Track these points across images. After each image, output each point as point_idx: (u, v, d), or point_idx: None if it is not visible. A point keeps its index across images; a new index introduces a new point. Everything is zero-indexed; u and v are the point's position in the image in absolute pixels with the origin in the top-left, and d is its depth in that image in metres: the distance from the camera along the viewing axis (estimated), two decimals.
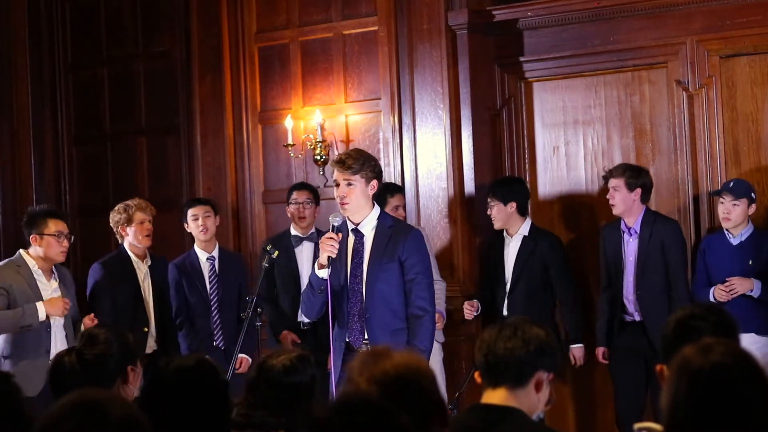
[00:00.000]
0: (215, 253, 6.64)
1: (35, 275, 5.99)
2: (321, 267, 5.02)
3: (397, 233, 5.08)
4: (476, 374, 2.94)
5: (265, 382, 3.38)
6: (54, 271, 6.09)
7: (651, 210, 6.28)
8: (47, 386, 3.72)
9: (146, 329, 6.33)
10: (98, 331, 3.82)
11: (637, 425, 2.75)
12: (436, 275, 6.59)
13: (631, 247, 6.22)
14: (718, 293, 5.90)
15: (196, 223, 6.57)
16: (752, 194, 6.00)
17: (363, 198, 5.08)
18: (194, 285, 6.55)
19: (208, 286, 6.57)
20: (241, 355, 6.27)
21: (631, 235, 6.22)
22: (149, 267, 6.48)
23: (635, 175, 6.20)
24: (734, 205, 5.96)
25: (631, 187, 6.18)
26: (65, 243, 6.05)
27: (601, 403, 6.70)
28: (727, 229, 6.03)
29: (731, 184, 6.04)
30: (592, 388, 6.77)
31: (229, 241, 7.49)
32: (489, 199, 6.52)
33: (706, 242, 6.16)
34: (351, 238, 5.12)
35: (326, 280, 5.00)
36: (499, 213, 6.48)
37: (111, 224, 6.51)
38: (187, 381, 3.06)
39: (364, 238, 5.11)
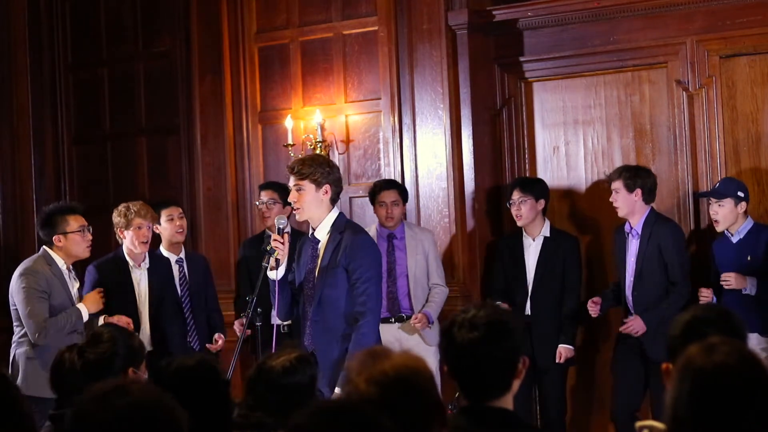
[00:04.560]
0: (182, 255, 6.61)
1: (64, 275, 5.99)
2: (271, 269, 5.09)
3: (345, 237, 5.09)
4: None
5: (264, 383, 3.38)
6: (71, 270, 6.07)
7: (654, 211, 6.27)
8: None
9: (137, 333, 6.26)
10: (104, 330, 3.82)
11: (638, 424, 2.75)
12: (439, 280, 6.60)
13: (632, 248, 6.23)
14: (702, 295, 5.91)
15: (173, 224, 6.51)
16: (739, 193, 5.96)
17: (314, 203, 5.10)
18: (168, 288, 6.47)
19: (179, 289, 6.52)
20: (216, 334, 6.45)
21: (633, 236, 6.24)
22: (147, 270, 6.42)
23: (633, 176, 6.21)
24: (719, 206, 5.96)
25: (630, 188, 6.19)
26: (89, 236, 6.05)
27: (599, 400, 6.70)
28: (726, 229, 6.02)
29: (717, 185, 6.07)
30: (592, 386, 6.77)
31: (229, 241, 7.49)
32: (521, 194, 6.51)
33: (714, 245, 6.15)
34: (311, 244, 5.17)
35: (275, 281, 5.07)
36: (531, 209, 6.49)
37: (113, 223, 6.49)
38: (187, 381, 3.06)
39: (320, 243, 5.13)
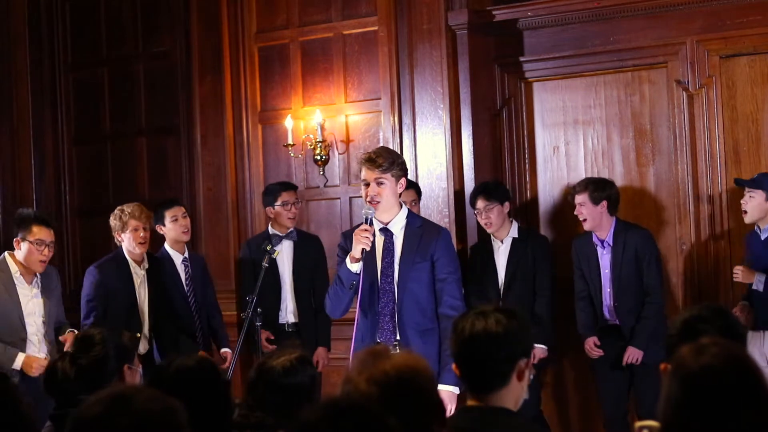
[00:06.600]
0: (186, 254, 6.59)
1: (15, 281, 5.93)
2: (354, 261, 4.93)
3: (427, 232, 5.05)
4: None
5: (265, 384, 3.38)
6: (36, 275, 6.02)
7: (621, 221, 6.29)
8: (41, 385, 3.74)
9: (138, 335, 6.23)
10: (93, 332, 3.81)
11: (638, 424, 2.75)
12: None
13: (605, 259, 6.24)
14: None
15: (176, 224, 6.46)
16: None
17: (393, 197, 5.03)
18: (175, 287, 6.48)
19: (185, 289, 6.51)
20: (223, 350, 6.44)
21: (604, 247, 6.24)
22: (146, 271, 6.40)
23: (599, 189, 6.22)
24: (750, 196, 5.92)
25: (596, 201, 6.19)
26: (45, 252, 5.95)
27: (595, 400, 6.70)
28: (757, 224, 5.98)
29: (756, 176, 6.03)
30: (589, 387, 6.77)
31: (229, 241, 7.49)
32: (486, 202, 6.49)
33: (747, 237, 6.11)
34: (380, 238, 5.06)
35: (358, 274, 4.93)
36: (499, 215, 6.48)
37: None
38: (187, 381, 3.06)
39: (394, 237, 5.05)
